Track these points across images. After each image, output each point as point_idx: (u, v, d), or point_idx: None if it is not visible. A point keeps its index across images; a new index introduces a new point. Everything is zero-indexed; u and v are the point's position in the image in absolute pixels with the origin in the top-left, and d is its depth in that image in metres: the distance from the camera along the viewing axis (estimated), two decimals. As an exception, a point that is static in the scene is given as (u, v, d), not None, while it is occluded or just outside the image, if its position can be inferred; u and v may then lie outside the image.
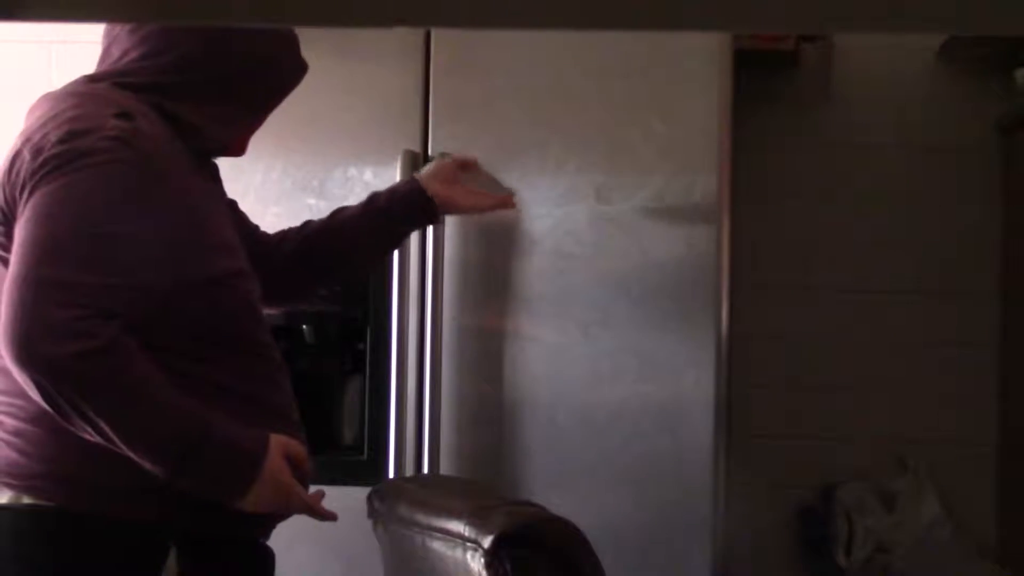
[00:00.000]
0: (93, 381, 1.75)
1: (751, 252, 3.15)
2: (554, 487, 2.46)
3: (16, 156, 1.83)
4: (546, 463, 2.51)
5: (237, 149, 2.09)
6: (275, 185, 2.57)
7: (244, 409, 1.90)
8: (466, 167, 2.44)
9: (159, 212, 1.85)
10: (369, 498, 2.03)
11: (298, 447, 1.92)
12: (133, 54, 1.94)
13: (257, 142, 2.54)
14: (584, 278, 2.51)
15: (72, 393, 1.74)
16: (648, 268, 2.50)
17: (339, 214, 2.30)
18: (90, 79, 1.96)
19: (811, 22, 0.67)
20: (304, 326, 2.55)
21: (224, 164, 2.43)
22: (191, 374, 1.86)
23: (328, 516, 1.97)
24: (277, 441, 1.88)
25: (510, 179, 2.53)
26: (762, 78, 3.16)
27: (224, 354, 1.92)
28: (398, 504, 1.94)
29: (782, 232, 3.26)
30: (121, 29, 1.95)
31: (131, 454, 1.78)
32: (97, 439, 1.77)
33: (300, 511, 1.94)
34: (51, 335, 1.73)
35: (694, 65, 2.50)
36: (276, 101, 2.08)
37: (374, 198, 2.30)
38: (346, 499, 2.03)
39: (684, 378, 2.48)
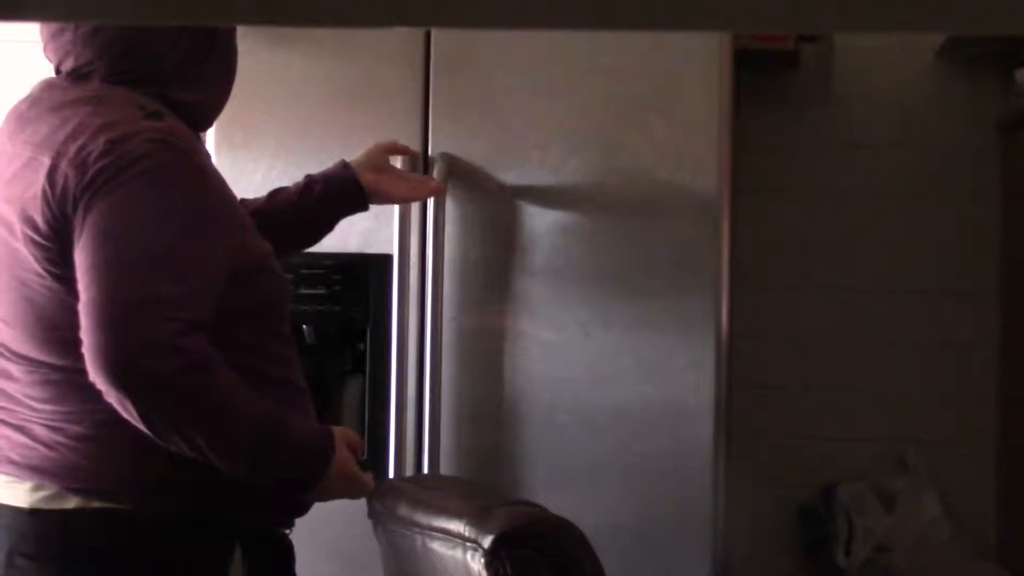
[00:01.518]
0: (191, 395, 1.77)
1: (751, 252, 3.15)
2: (554, 487, 2.46)
3: (54, 172, 1.79)
4: (546, 463, 2.51)
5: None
6: (275, 185, 2.56)
7: (284, 394, 1.93)
8: (396, 152, 2.43)
9: (210, 207, 1.87)
10: (369, 498, 2.03)
11: (355, 435, 1.99)
12: (106, 59, 1.89)
13: (257, 142, 2.55)
14: (584, 278, 2.51)
15: (172, 409, 1.76)
16: (648, 268, 2.50)
17: (276, 197, 2.28)
18: (73, 78, 1.91)
19: (811, 22, 0.67)
20: (304, 326, 2.55)
21: (224, 164, 2.43)
22: (243, 367, 1.86)
23: None
24: (340, 433, 1.93)
25: (510, 179, 2.53)
26: (762, 78, 3.16)
27: (265, 341, 1.93)
28: (398, 504, 1.94)
29: (782, 232, 3.26)
30: (76, 37, 1.89)
31: (214, 459, 1.80)
32: (183, 450, 1.78)
33: (365, 495, 2.01)
34: (149, 353, 1.73)
35: (694, 65, 2.50)
36: (235, 41, 2.06)
37: (310, 185, 2.29)
38: (346, 499, 2.03)
39: (684, 378, 2.48)
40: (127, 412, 1.74)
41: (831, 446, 3.23)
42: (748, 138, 2.99)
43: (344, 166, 2.32)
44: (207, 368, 1.78)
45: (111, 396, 1.74)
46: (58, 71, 1.94)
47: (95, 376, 1.74)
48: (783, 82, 3.25)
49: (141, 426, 1.75)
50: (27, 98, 1.94)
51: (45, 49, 1.95)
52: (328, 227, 2.34)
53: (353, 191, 2.31)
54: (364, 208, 2.36)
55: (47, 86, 1.94)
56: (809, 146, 3.27)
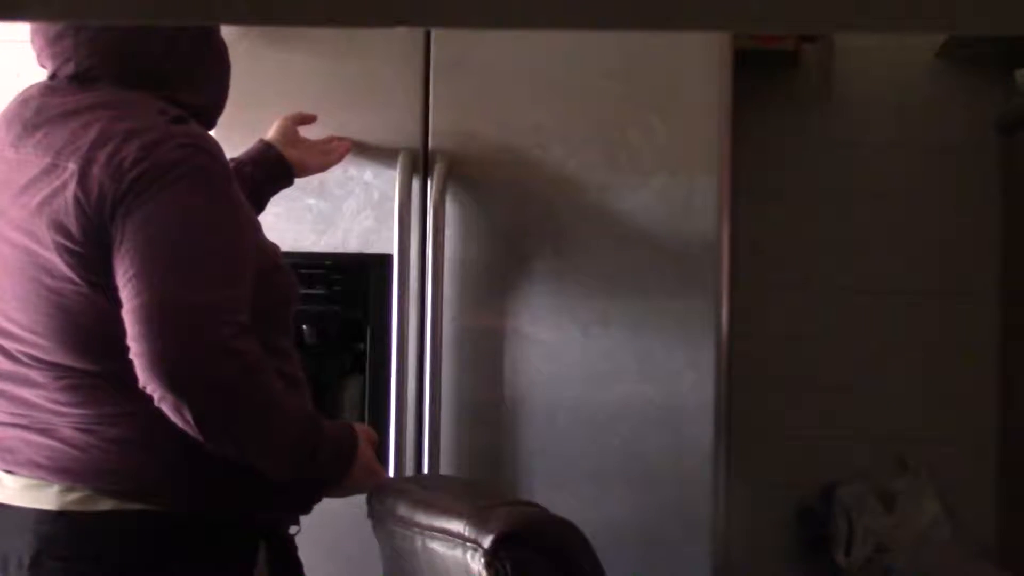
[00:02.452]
0: (248, 398, 1.78)
1: (751, 252, 3.15)
2: (554, 487, 2.46)
3: (85, 178, 1.77)
4: (546, 463, 2.51)
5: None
6: (275, 185, 2.56)
7: (299, 392, 1.95)
8: (303, 122, 2.46)
9: (241, 209, 1.88)
10: (369, 498, 2.03)
11: (372, 431, 2.05)
12: (112, 63, 1.88)
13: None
14: (584, 278, 2.51)
15: (229, 412, 1.76)
16: (648, 268, 2.50)
17: None
18: (77, 83, 1.88)
19: (811, 22, 0.67)
20: (304, 326, 2.55)
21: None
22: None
23: None
24: (359, 429, 1.98)
25: (510, 178, 2.53)
26: (762, 78, 3.16)
27: (275, 337, 1.93)
28: (398, 504, 1.94)
29: (782, 232, 3.26)
30: (77, 41, 1.87)
31: (260, 461, 1.82)
32: (230, 452, 1.79)
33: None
34: (208, 358, 1.73)
35: (694, 65, 2.50)
36: (222, 38, 2.06)
37: (240, 168, 2.29)
38: (346, 499, 2.03)
39: (684, 378, 2.48)
40: (181, 417, 1.74)
41: (831, 446, 3.23)
42: (748, 138, 2.99)
43: (268, 146, 2.37)
44: (261, 370, 1.79)
45: (166, 401, 1.73)
46: (53, 76, 1.92)
47: (148, 382, 1.73)
48: (783, 82, 3.25)
49: (193, 430, 1.74)
50: (24, 103, 1.91)
51: (40, 55, 1.93)
52: (262, 207, 2.36)
53: (282, 169, 2.36)
54: (290, 183, 2.40)
55: (47, 91, 1.91)
56: (809, 146, 3.27)
